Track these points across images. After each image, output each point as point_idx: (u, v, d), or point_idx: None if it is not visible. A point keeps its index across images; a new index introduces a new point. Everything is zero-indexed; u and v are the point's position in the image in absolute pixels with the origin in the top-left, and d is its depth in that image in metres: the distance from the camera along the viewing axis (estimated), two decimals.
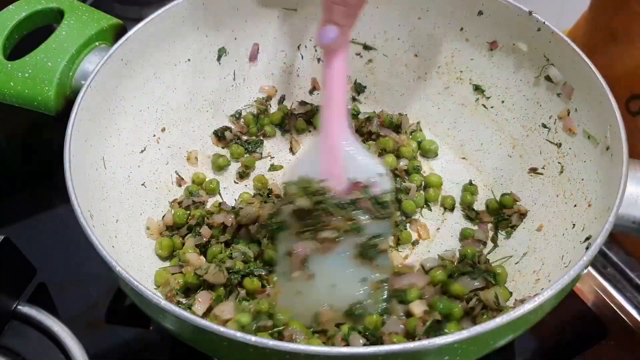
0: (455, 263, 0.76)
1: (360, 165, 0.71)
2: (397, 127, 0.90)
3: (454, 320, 0.66)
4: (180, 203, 0.81)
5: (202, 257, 0.74)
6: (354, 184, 0.70)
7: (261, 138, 0.92)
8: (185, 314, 0.53)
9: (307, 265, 0.68)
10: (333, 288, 0.68)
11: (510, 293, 0.71)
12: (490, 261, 0.76)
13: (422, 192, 0.85)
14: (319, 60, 0.93)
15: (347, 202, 0.69)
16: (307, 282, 0.68)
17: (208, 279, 0.69)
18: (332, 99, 0.71)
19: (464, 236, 0.81)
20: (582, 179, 0.73)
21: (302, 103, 0.95)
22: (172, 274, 0.73)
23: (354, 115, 0.92)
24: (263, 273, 0.71)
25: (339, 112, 0.72)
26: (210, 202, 0.83)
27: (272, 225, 0.72)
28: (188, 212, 0.79)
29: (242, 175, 0.87)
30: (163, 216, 0.80)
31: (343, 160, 0.71)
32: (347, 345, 0.64)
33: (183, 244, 0.77)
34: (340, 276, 0.68)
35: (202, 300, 0.68)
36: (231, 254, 0.74)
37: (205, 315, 0.68)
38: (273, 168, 0.89)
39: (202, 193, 0.84)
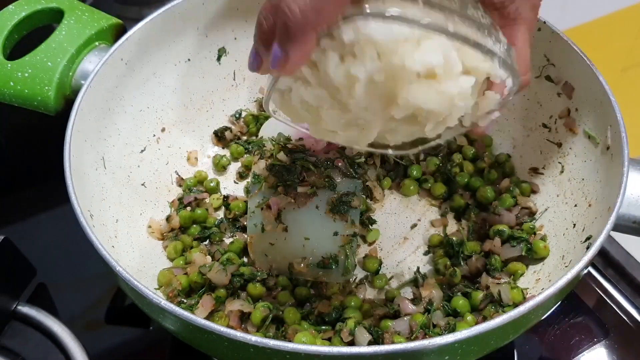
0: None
1: None
2: None
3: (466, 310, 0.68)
4: (180, 200, 0.81)
5: (208, 257, 0.74)
6: (329, 144, 0.73)
7: None
8: (186, 313, 0.53)
9: (282, 218, 0.71)
10: (306, 241, 0.71)
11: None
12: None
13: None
14: None
15: (323, 161, 0.72)
16: (281, 234, 0.71)
17: (211, 277, 0.69)
18: None
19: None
20: (583, 179, 0.73)
21: None
22: (176, 275, 0.73)
23: None
24: (266, 277, 0.72)
25: None
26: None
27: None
28: (192, 212, 0.79)
29: (242, 175, 0.87)
30: (167, 217, 0.80)
31: None
32: (354, 339, 0.64)
33: (191, 247, 0.77)
34: (314, 230, 0.71)
35: (204, 305, 0.68)
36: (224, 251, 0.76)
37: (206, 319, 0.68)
38: None
39: (201, 189, 0.84)
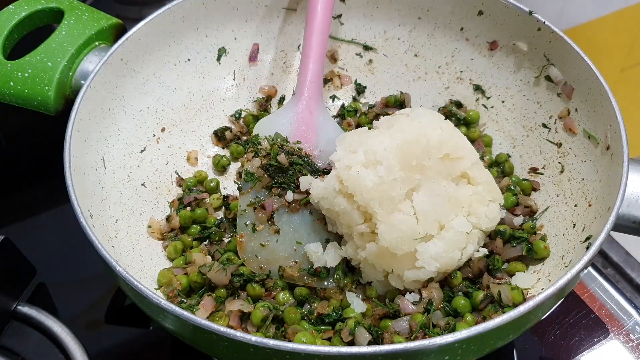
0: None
1: (332, 137, 0.74)
2: (401, 105, 0.90)
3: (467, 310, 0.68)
4: (180, 200, 0.81)
5: (208, 257, 0.74)
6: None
7: None
8: (186, 313, 0.53)
9: (274, 219, 0.71)
10: (298, 245, 0.71)
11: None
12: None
13: None
14: None
15: (319, 170, 0.72)
16: (273, 236, 0.71)
17: (211, 277, 0.69)
18: (309, 59, 0.76)
19: None
20: (583, 179, 0.73)
21: None
22: (176, 275, 0.73)
23: (354, 113, 0.91)
24: (265, 278, 0.72)
25: (317, 74, 0.76)
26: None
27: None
28: (192, 212, 0.79)
29: (242, 175, 0.87)
30: (167, 217, 0.79)
31: (317, 128, 0.75)
32: (354, 339, 0.64)
33: (191, 247, 0.77)
34: (306, 235, 0.71)
35: (205, 305, 0.68)
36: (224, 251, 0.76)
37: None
38: None
39: (201, 189, 0.84)
